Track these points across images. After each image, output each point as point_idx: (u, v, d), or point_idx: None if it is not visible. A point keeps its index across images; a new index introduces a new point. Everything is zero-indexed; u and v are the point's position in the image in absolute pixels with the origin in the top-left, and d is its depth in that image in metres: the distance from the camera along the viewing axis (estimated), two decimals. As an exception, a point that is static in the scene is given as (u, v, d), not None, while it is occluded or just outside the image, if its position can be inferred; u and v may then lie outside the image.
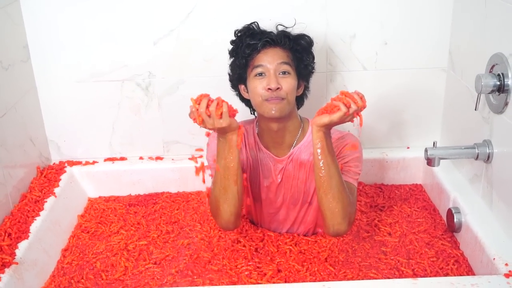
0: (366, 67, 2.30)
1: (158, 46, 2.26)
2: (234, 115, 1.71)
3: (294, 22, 1.95)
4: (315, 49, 1.97)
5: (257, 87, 1.81)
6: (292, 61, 1.84)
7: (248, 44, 1.84)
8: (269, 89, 1.78)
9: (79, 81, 2.31)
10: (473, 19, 2.03)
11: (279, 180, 1.95)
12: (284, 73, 1.81)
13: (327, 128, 1.68)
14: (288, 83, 1.80)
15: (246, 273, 1.84)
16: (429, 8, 2.21)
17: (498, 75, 1.76)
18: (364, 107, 1.66)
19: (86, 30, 2.24)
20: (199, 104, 1.68)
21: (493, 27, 1.86)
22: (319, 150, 1.69)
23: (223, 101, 1.69)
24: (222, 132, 1.72)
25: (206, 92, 1.72)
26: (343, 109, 1.63)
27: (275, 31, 1.89)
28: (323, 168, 1.70)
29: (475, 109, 1.90)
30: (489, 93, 1.80)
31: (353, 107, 1.63)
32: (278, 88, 1.78)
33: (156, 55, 2.27)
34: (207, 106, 1.67)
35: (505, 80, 1.73)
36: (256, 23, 1.90)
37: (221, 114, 1.66)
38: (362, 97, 1.66)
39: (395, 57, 2.28)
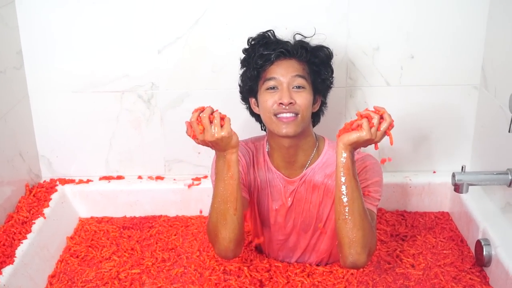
0: (390, 83, 2.32)
1: (163, 55, 2.28)
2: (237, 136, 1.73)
3: (313, 32, 1.97)
4: (335, 62, 1.99)
5: (267, 101, 1.83)
6: (308, 75, 1.85)
7: (261, 54, 1.85)
8: (280, 103, 1.79)
9: (76, 91, 2.34)
10: (509, 33, 2.05)
11: (290, 203, 1.96)
12: (298, 87, 1.82)
13: (353, 147, 1.67)
14: (303, 98, 1.81)
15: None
16: (460, 19, 2.23)
17: (535, 93, 1.78)
18: (392, 123, 1.67)
19: (85, 36, 2.27)
20: (201, 111, 1.69)
21: (529, 41, 1.89)
22: (343, 171, 1.68)
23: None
24: (221, 148, 1.71)
25: (214, 106, 1.73)
26: (376, 123, 1.64)
27: (292, 41, 1.91)
28: (346, 191, 1.69)
29: (509, 131, 1.91)
30: (524, 113, 1.82)
31: (383, 124, 1.65)
32: (291, 103, 1.79)
33: (160, 64, 2.30)
34: (212, 113, 1.68)
35: (542, 99, 1.76)
36: (271, 31, 1.92)
37: (223, 124, 1.67)
38: (385, 113, 1.67)
39: (421, 72, 2.30)
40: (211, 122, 1.67)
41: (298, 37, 1.93)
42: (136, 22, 2.25)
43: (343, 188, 1.69)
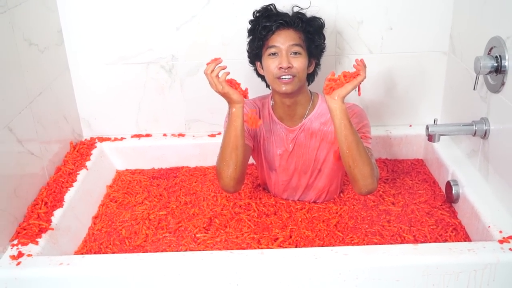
0: (372, 51, 2.28)
1: (181, 31, 2.25)
2: (236, 88, 1.75)
3: (309, 4, 1.95)
4: (326, 34, 1.96)
5: (270, 65, 1.83)
6: (303, 42, 1.84)
7: (264, 25, 1.84)
8: (280, 67, 1.79)
9: (108, 63, 2.31)
10: (473, 4, 2.00)
11: (291, 148, 1.96)
12: (295, 53, 1.82)
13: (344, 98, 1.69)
14: (299, 62, 1.82)
15: (254, 236, 1.85)
16: (431, -5, 2.18)
17: (496, 57, 1.74)
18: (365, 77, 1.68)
19: (115, 17, 2.23)
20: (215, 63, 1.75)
21: (491, 11, 1.84)
22: (344, 122, 1.68)
23: (227, 74, 1.75)
24: (227, 101, 1.76)
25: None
26: (364, 74, 1.66)
27: (290, 13, 1.89)
28: (351, 137, 1.69)
29: (474, 89, 1.87)
30: (487, 74, 1.78)
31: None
32: (289, 67, 1.79)
33: (179, 39, 2.26)
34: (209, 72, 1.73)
35: (502, 61, 1.71)
36: (273, 5, 1.91)
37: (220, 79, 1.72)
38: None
39: (399, 42, 2.26)
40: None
41: (295, 9, 1.91)
42: (157, 4, 2.21)
43: (349, 134, 1.69)
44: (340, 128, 1.70)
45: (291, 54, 1.81)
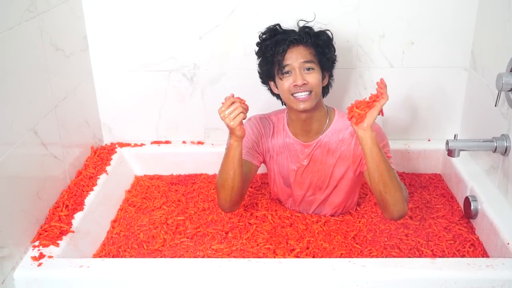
0: (393, 65, 2.29)
1: (203, 40, 2.27)
2: (244, 131, 1.77)
3: (314, 17, 1.96)
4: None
5: (285, 84, 1.83)
6: (315, 57, 1.84)
7: (274, 46, 1.84)
8: (295, 85, 1.80)
9: (131, 70, 2.34)
10: (495, 21, 2.00)
11: (306, 163, 1.96)
12: (308, 69, 1.82)
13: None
14: (313, 78, 1.81)
15: (269, 246, 1.86)
16: (454, 10, 2.19)
17: (518, 74, 1.74)
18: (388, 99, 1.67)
19: (139, 25, 2.26)
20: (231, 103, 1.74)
21: (515, 29, 1.85)
22: (375, 150, 1.67)
23: (244, 113, 1.73)
24: (229, 131, 1.77)
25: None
26: (387, 97, 1.65)
27: (296, 28, 1.89)
28: (382, 164, 1.69)
29: (495, 105, 1.88)
30: (509, 90, 1.78)
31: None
32: (304, 84, 1.79)
33: (201, 48, 2.29)
34: (229, 106, 1.73)
35: (525, 78, 1.72)
36: (278, 25, 1.91)
37: (237, 117, 1.72)
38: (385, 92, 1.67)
39: (420, 56, 2.27)
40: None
41: (301, 23, 1.91)
42: (181, 13, 2.24)
43: (380, 162, 1.69)
44: (372, 157, 1.69)
45: (304, 70, 1.81)
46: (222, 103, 1.74)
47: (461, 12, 2.19)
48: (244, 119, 1.74)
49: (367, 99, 1.67)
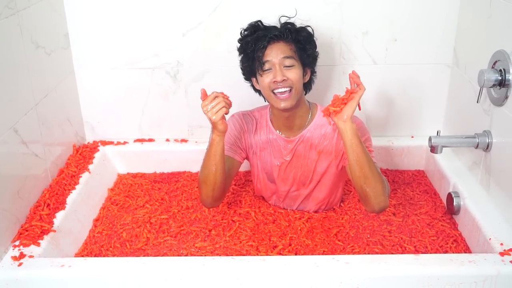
0: (377, 62, 2.29)
1: (187, 38, 2.26)
2: (226, 126, 1.77)
3: (295, 13, 1.96)
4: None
5: (265, 80, 1.83)
6: (295, 53, 1.84)
7: (254, 43, 1.84)
8: (275, 81, 1.80)
9: (114, 67, 2.32)
10: (477, 18, 2.01)
11: (289, 158, 1.96)
12: (289, 65, 1.82)
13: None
14: (294, 74, 1.81)
15: (252, 243, 1.85)
16: (436, 7, 2.19)
17: (500, 70, 1.75)
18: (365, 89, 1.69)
19: (121, 22, 2.24)
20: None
21: (496, 25, 1.85)
22: (355, 141, 1.68)
23: (227, 107, 1.74)
24: (212, 126, 1.76)
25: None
26: (363, 87, 1.66)
27: (278, 24, 1.89)
28: (362, 156, 1.69)
29: (477, 102, 1.89)
30: (490, 87, 1.79)
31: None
32: (284, 80, 1.79)
33: (185, 45, 2.27)
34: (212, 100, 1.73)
35: (506, 75, 1.73)
36: (260, 21, 1.90)
37: (219, 111, 1.72)
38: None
39: (403, 53, 2.27)
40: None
41: (282, 19, 1.91)
42: (164, 10, 2.22)
43: (360, 153, 1.69)
44: (352, 149, 1.69)
45: (284, 66, 1.81)
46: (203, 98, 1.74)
47: (444, 9, 2.20)
48: (226, 114, 1.74)
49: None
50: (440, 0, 2.18)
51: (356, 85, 1.68)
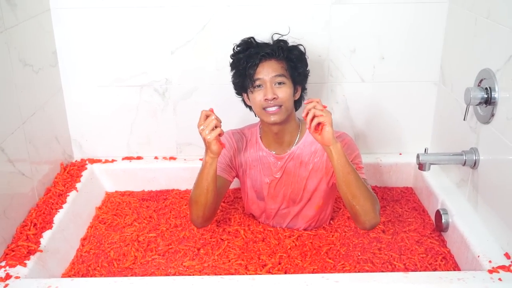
0: (364, 79, 2.31)
1: (175, 55, 2.26)
2: (220, 148, 1.77)
3: (288, 31, 1.98)
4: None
5: (256, 98, 1.84)
6: (286, 71, 1.85)
7: (246, 60, 1.86)
8: (266, 99, 1.81)
9: (102, 85, 2.31)
10: (463, 37, 2.04)
11: (279, 176, 1.96)
12: (280, 83, 1.83)
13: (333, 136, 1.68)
14: (284, 92, 1.83)
15: (241, 262, 1.84)
16: (423, 26, 2.22)
17: (486, 88, 1.77)
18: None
19: (109, 39, 2.24)
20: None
21: (481, 44, 1.88)
22: (341, 160, 1.69)
23: (219, 126, 1.74)
24: (206, 146, 1.76)
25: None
26: (327, 114, 1.66)
27: (271, 41, 1.91)
28: (349, 175, 1.70)
29: (464, 119, 1.90)
30: (477, 104, 1.81)
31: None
32: (274, 98, 1.80)
33: (173, 63, 2.28)
34: (205, 119, 1.73)
35: (492, 93, 1.74)
36: (253, 38, 1.92)
37: (214, 130, 1.71)
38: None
39: (391, 71, 2.29)
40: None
41: (275, 36, 1.93)
42: (152, 28, 2.23)
43: (347, 172, 1.70)
44: (339, 169, 1.70)
45: (275, 84, 1.82)
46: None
47: (430, 28, 2.22)
48: (220, 135, 1.74)
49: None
50: (427, 19, 2.21)
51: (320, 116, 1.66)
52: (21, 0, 1.92)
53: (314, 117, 1.65)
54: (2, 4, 1.78)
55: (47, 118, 2.15)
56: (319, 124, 1.66)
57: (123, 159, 2.44)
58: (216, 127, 1.72)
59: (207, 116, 1.72)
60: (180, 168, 2.40)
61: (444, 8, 2.19)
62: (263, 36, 1.94)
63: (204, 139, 1.73)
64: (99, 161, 2.42)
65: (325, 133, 1.67)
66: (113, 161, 2.43)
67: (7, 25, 1.82)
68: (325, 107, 1.68)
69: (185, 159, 2.43)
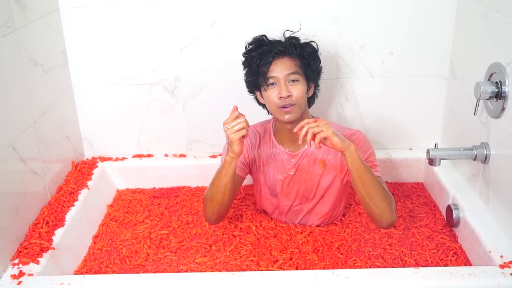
0: (373, 75, 2.31)
1: (184, 53, 2.27)
2: (242, 149, 1.76)
3: (300, 27, 1.97)
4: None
5: (270, 96, 1.84)
6: (300, 68, 1.85)
7: (259, 58, 1.85)
8: (280, 97, 1.81)
9: (112, 84, 2.33)
10: (473, 31, 2.03)
11: (293, 173, 1.96)
12: (293, 81, 1.83)
13: (346, 142, 1.69)
14: (298, 90, 1.83)
15: (253, 258, 1.85)
16: (432, 20, 2.21)
17: (496, 82, 1.76)
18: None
19: (119, 38, 2.25)
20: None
21: (491, 38, 1.87)
22: (356, 164, 1.70)
23: (247, 129, 1.73)
24: (229, 145, 1.76)
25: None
26: (326, 128, 1.66)
27: (283, 37, 1.91)
28: (365, 176, 1.71)
29: (474, 114, 1.90)
30: (487, 99, 1.80)
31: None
32: (289, 96, 1.80)
33: (182, 61, 2.28)
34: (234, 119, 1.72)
35: (503, 87, 1.73)
36: (265, 36, 1.92)
37: (239, 131, 1.71)
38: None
39: (400, 66, 2.28)
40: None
41: (287, 34, 1.93)
42: (161, 26, 2.24)
43: (363, 173, 1.71)
44: (354, 169, 1.71)
45: (289, 82, 1.82)
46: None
47: (439, 22, 2.21)
48: (245, 137, 1.74)
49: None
50: (436, 13, 2.20)
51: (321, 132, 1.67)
52: (30, 0, 1.94)
53: (314, 135, 1.66)
54: (11, 5, 1.80)
55: (58, 117, 2.16)
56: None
57: (133, 156, 2.46)
58: (243, 128, 1.72)
59: (237, 117, 1.72)
60: (190, 165, 2.41)
61: (453, 1, 2.18)
62: (271, 32, 1.94)
63: (228, 137, 1.74)
64: (109, 159, 2.43)
65: (333, 143, 1.67)
66: (123, 159, 2.44)
67: (17, 25, 1.83)
68: (315, 120, 1.69)
69: (195, 156, 2.44)
